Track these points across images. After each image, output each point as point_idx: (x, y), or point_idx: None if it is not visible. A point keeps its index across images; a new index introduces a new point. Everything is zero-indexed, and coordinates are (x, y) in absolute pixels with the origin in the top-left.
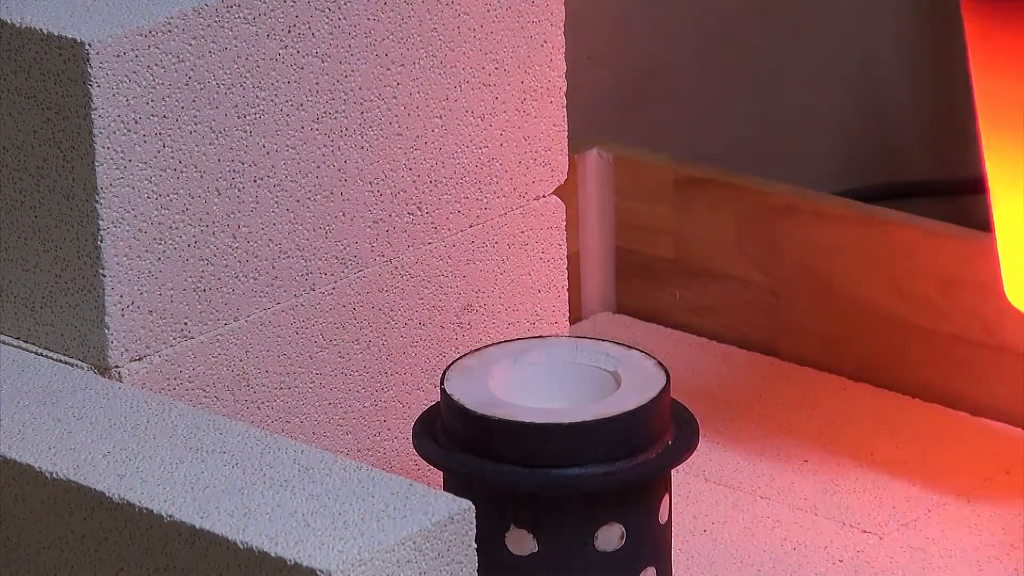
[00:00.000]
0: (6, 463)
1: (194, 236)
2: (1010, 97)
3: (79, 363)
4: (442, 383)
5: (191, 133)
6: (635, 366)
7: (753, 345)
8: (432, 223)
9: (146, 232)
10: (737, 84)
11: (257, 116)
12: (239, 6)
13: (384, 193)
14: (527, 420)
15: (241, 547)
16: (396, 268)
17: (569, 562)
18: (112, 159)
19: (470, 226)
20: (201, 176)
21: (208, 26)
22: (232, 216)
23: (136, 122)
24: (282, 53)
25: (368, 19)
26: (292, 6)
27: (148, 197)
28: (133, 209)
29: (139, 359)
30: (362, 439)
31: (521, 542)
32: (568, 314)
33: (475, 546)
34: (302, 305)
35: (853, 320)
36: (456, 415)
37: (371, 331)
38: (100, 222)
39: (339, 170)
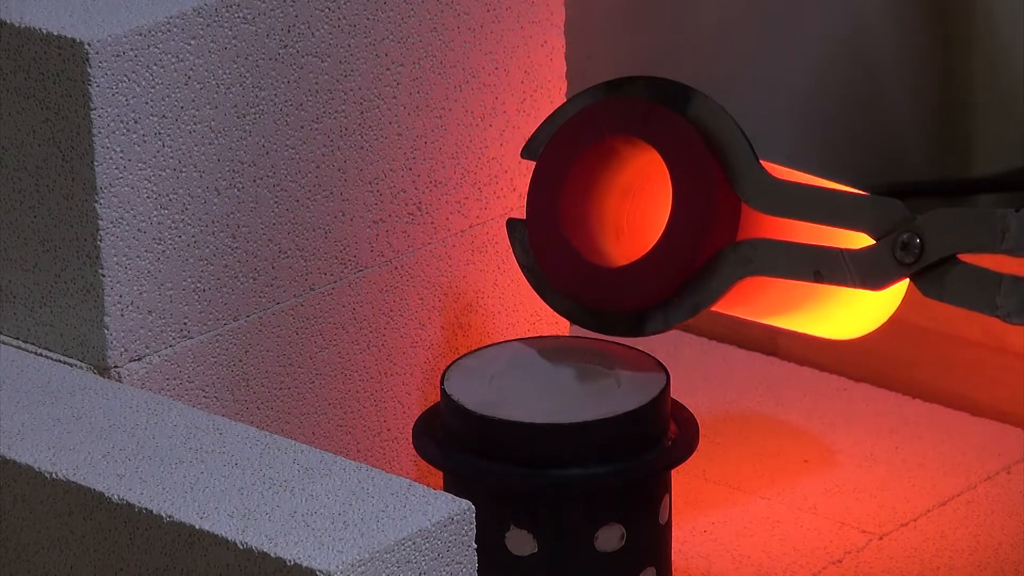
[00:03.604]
0: (6, 463)
1: (193, 236)
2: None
3: (78, 363)
4: (442, 383)
5: (190, 133)
6: (635, 366)
7: (753, 345)
8: (432, 223)
9: (145, 232)
10: (736, 85)
11: (257, 116)
12: (239, 6)
13: (384, 193)
14: (527, 420)
15: (241, 547)
16: (396, 268)
17: (569, 562)
18: (111, 159)
19: (470, 226)
20: (200, 176)
21: (208, 26)
22: (232, 216)
23: (135, 122)
24: (282, 53)
25: (368, 19)
26: (292, 6)
27: (147, 197)
28: (132, 209)
29: (138, 359)
30: (362, 439)
31: (521, 542)
32: None
33: (475, 546)
34: (302, 305)
35: None
36: (456, 415)
37: (371, 331)
38: (99, 222)
39: (339, 170)
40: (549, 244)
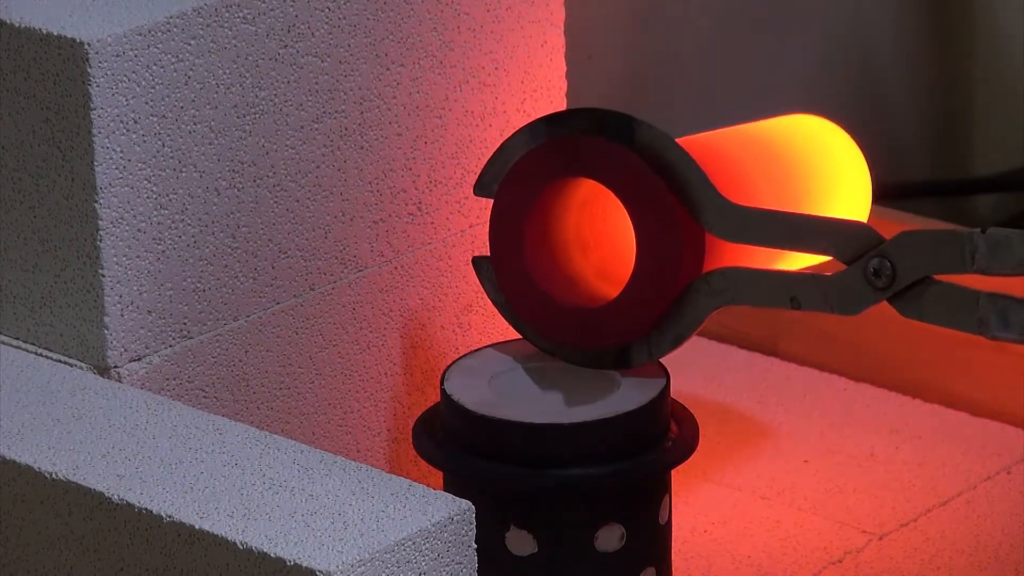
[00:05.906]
0: (6, 463)
1: (193, 236)
2: None
3: (78, 363)
4: (442, 383)
5: (190, 133)
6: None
7: (753, 345)
8: (432, 223)
9: (145, 232)
10: (737, 86)
11: (257, 116)
12: (239, 6)
13: (384, 193)
14: (527, 420)
15: (241, 547)
16: (396, 268)
17: (569, 562)
18: (111, 159)
19: (470, 226)
20: (200, 176)
21: (208, 26)
22: (232, 216)
23: (135, 122)
24: (282, 53)
25: (368, 19)
26: (292, 6)
27: (147, 197)
28: (132, 209)
29: (138, 359)
30: (362, 439)
31: (521, 542)
32: None
33: (475, 546)
34: (302, 305)
35: (853, 320)
36: (456, 415)
37: (371, 331)
38: (99, 222)
39: (339, 170)
40: (520, 290)
